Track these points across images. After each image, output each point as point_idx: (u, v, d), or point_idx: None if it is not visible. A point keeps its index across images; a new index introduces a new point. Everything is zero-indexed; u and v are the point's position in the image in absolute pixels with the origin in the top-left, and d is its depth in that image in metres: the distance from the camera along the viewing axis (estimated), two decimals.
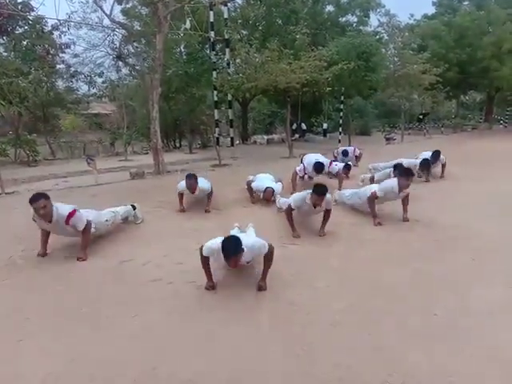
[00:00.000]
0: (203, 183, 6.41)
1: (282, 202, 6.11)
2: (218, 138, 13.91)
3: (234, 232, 4.56)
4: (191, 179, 6.19)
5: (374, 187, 5.85)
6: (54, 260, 4.46)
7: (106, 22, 10.56)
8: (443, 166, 9.32)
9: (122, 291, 3.73)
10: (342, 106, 18.27)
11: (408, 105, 24.14)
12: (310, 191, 4.98)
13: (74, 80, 16.47)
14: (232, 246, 3.27)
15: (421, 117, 26.54)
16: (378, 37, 19.93)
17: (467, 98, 36.87)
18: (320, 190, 4.86)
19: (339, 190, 7.11)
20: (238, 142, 19.34)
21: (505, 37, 21.06)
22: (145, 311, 3.34)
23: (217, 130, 14.11)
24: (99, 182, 8.86)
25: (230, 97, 14.04)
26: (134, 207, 5.87)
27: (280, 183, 7.04)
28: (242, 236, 3.55)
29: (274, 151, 15.58)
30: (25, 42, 14.06)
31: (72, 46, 14.34)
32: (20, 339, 2.94)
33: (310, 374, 2.53)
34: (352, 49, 14.55)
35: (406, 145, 17.90)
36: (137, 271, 4.20)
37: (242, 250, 3.31)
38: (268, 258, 3.66)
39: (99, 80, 16.02)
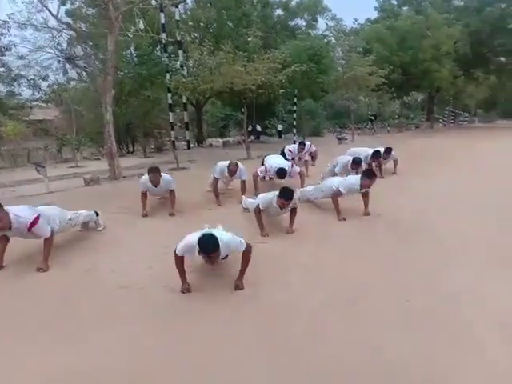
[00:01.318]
0: (166, 175, 6.33)
1: (248, 202, 6.12)
2: (174, 142, 13.67)
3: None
4: (154, 171, 6.07)
5: (337, 182, 6.02)
6: (11, 273, 4.15)
7: (52, 22, 10.05)
8: (395, 162, 9.82)
9: (89, 302, 3.54)
10: (295, 108, 18.65)
11: (356, 106, 25.09)
12: (277, 194, 4.99)
13: (15, 84, 15.51)
14: (209, 244, 3.25)
15: (372, 118, 27.65)
16: (326, 40, 20.49)
17: (409, 98, 38.91)
18: (287, 195, 4.90)
19: (302, 187, 7.24)
20: (193, 145, 19.09)
21: (442, 40, 22.48)
22: (117, 322, 3.19)
23: (172, 133, 13.87)
24: (51, 190, 8.39)
25: (184, 99, 13.85)
26: (96, 213, 5.64)
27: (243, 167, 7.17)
28: (216, 233, 3.48)
29: (231, 153, 15.51)
30: None
31: (14, 48, 13.48)
32: None
33: (297, 367, 2.55)
34: (303, 51, 14.89)
35: (357, 144, 18.53)
36: (103, 279, 4.01)
37: (219, 247, 3.28)
38: (247, 256, 3.64)
39: (44, 84, 15.19)
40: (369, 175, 5.79)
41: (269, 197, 5.16)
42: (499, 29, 25.67)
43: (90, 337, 2.98)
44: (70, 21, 12.79)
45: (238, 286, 3.65)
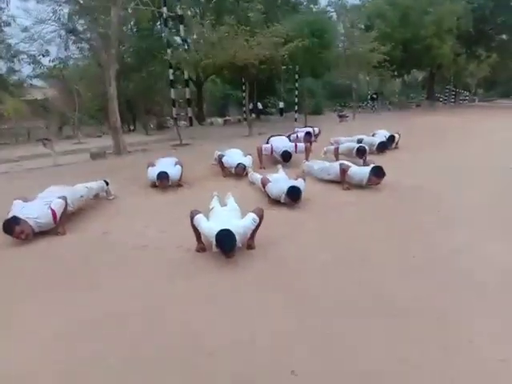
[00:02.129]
0: (173, 172, 6.28)
1: (255, 177, 6.22)
2: (176, 118, 13.69)
3: (215, 203, 4.63)
4: (163, 180, 6.04)
5: (343, 162, 6.14)
6: (33, 238, 4.31)
7: None
8: (397, 141, 9.92)
9: (110, 257, 3.73)
10: (296, 85, 18.57)
11: (356, 85, 24.92)
12: (285, 192, 5.10)
13: (15, 60, 15.36)
14: (227, 242, 3.38)
15: (374, 96, 27.53)
16: (327, 16, 20.24)
17: (410, 77, 38.59)
18: (295, 195, 5.05)
19: (306, 160, 7.36)
20: (193, 123, 19.07)
21: (445, 16, 22.23)
22: (139, 273, 3.39)
23: (174, 109, 13.87)
24: (59, 163, 8.51)
25: (186, 75, 13.80)
26: (106, 183, 5.77)
27: (250, 156, 7.18)
28: (231, 222, 3.60)
29: (233, 131, 15.59)
30: None
31: (16, 21, 13.30)
32: (15, 303, 2.90)
33: (309, 308, 2.73)
34: (306, 26, 14.77)
35: (358, 122, 18.58)
36: (121, 240, 4.18)
37: (235, 245, 3.41)
38: (256, 228, 3.79)
39: (44, 60, 15.05)
40: (378, 173, 5.76)
41: (277, 190, 5.22)
42: (502, 6, 25.37)
43: (113, 283, 3.19)
44: None
45: (250, 246, 3.81)
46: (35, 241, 4.18)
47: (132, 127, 18.96)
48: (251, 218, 3.70)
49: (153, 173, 6.18)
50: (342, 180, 6.01)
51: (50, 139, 8.90)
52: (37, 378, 2.19)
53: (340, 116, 19.55)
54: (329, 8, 22.05)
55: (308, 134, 9.33)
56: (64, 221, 4.45)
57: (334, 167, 6.17)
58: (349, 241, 4.01)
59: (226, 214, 3.98)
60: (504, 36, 29.69)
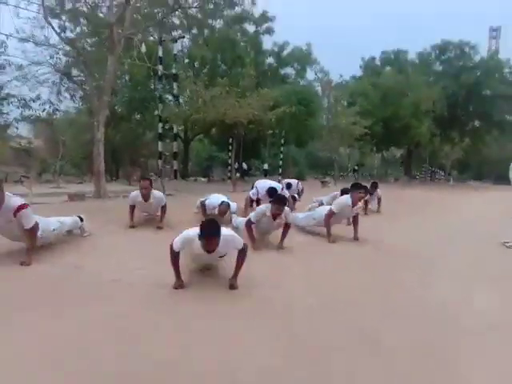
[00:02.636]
0: (157, 192, 6.21)
1: (239, 221, 6.07)
2: (161, 170, 13.69)
3: None
4: (145, 181, 5.93)
5: (328, 206, 6.10)
6: None
7: (52, 39, 10.28)
8: (379, 200, 10.03)
9: (79, 290, 3.41)
10: (281, 149, 19.12)
11: (337, 157, 25.89)
12: (270, 205, 5.06)
13: (4, 103, 15.43)
14: (212, 227, 3.29)
15: (356, 168, 28.54)
16: (313, 89, 21.47)
17: (388, 153, 40.48)
18: (280, 200, 5.00)
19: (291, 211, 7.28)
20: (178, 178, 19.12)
21: (422, 98, 23.89)
22: (112, 304, 3.08)
23: (160, 161, 13.92)
24: (34, 202, 8.16)
25: (175, 129, 14.05)
26: (81, 219, 5.48)
27: (234, 203, 7.05)
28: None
29: (217, 187, 15.58)
30: None
31: (12, 59, 13.55)
32: None
33: (296, 346, 2.47)
34: (293, 94, 15.54)
35: (340, 186, 18.92)
36: (92, 274, 3.88)
37: (220, 232, 3.31)
38: (242, 255, 3.62)
39: (34, 105, 15.16)
40: (356, 187, 5.90)
41: (262, 208, 5.19)
42: (474, 94, 27.55)
43: (83, 313, 2.88)
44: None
45: (233, 286, 3.57)
46: (1, 268, 3.83)
47: (114, 178, 18.82)
48: (239, 237, 3.65)
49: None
50: (327, 228, 5.89)
51: (29, 177, 8.61)
52: None
53: (322, 182, 19.98)
54: (314, 83, 23.43)
55: (293, 197, 9.28)
56: (30, 251, 4.09)
57: (319, 212, 6.14)
58: (334, 287, 3.83)
59: None
60: (476, 123, 31.90)
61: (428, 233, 7.36)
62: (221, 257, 3.64)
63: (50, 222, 4.75)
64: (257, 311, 3.10)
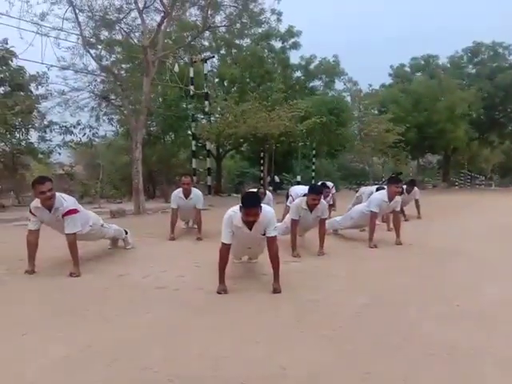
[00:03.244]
0: (196, 190, 6.49)
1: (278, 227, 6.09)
2: (195, 186, 13.95)
3: None
4: (187, 177, 6.28)
5: (365, 205, 6.01)
6: (44, 277, 4.12)
7: (91, 66, 10.86)
8: (417, 204, 9.69)
9: (127, 296, 3.50)
10: (313, 160, 19.05)
11: (368, 169, 25.39)
12: (304, 197, 5.12)
13: (47, 130, 16.24)
14: (253, 198, 3.56)
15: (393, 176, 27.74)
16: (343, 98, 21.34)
17: (424, 160, 39.37)
18: (315, 189, 5.09)
19: (328, 217, 7.21)
20: (211, 195, 19.41)
21: (457, 102, 23.20)
22: (156, 309, 3.13)
23: (194, 178, 14.22)
24: None
25: (208, 146, 14.34)
26: (126, 232, 5.66)
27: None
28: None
29: None
30: (2, 88, 14.03)
31: (54, 87, 14.37)
32: (24, 333, 2.65)
33: (348, 352, 2.41)
34: (323, 104, 15.53)
35: None
36: (138, 282, 3.97)
37: (260, 202, 3.52)
38: (275, 251, 3.61)
39: (75, 130, 15.88)
40: (392, 181, 5.78)
41: (296, 202, 5.22)
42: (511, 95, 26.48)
43: (128, 318, 2.93)
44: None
45: (276, 289, 3.54)
46: (43, 279, 4.01)
47: (152, 197, 19.29)
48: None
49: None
50: (371, 230, 5.77)
51: (73, 195, 8.98)
52: None
53: (356, 191, 19.65)
54: (344, 93, 23.31)
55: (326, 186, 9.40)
56: (77, 263, 4.25)
57: (356, 209, 6.06)
58: (380, 287, 3.73)
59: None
60: None
61: (474, 234, 7.06)
62: (261, 235, 3.66)
63: (100, 219, 4.98)
64: (304, 312, 3.06)
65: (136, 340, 2.54)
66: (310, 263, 4.74)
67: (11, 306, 3.24)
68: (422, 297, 3.43)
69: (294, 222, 5.15)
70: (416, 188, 9.45)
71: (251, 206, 3.43)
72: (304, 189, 7.72)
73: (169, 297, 3.47)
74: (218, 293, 3.52)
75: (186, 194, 6.28)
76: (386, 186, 8.80)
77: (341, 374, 2.13)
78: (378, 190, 7.70)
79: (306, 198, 5.10)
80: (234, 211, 3.62)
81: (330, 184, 10.25)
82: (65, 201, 4.14)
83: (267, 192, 7.00)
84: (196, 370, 2.15)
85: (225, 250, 3.59)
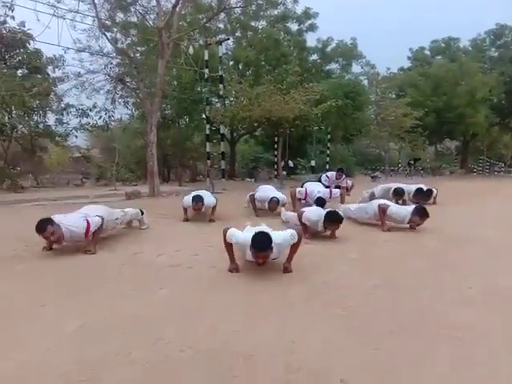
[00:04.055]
0: (208, 199, 6.35)
1: (288, 216, 6.04)
2: (209, 170, 14.01)
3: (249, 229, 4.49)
4: (198, 203, 6.10)
5: (382, 201, 5.92)
6: (61, 254, 4.24)
7: (106, 48, 10.89)
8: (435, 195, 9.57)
9: (142, 273, 3.58)
10: (328, 145, 18.86)
11: (386, 154, 24.98)
12: (323, 217, 4.86)
13: (64, 113, 16.43)
14: (263, 242, 3.27)
15: (411, 162, 27.21)
16: (360, 82, 20.95)
17: (442, 146, 38.59)
18: (335, 218, 4.78)
19: (342, 203, 7.17)
20: (225, 179, 19.47)
21: (478, 86, 22.57)
22: (170, 285, 3.20)
23: (208, 161, 14.25)
24: (94, 200, 8.67)
25: (222, 129, 14.32)
26: (142, 212, 5.76)
27: (284, 196, 7.06)
28: (271, 234, 3.44)
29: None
30: (20, 71, 14.20)
31: (71, 68, 14.48)
32: (44, 304, 2.74)
33: (358, 329, 2.43)
34: (339, 88, 15.28)
35: (391, 181, 18.35)
36: (152, 260, 4.06)
37: (272, 247, 3.29)
38: (297, 243, 3.58)
39: (91, 113, 16.03)
40: (421, 214, 5.50)
41: (315, 218, 4.95)
42: None
43: (144, 294, 3.01)
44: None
45: (287, 269, 3.57)
46: (60, 256, 4.12)
47: (167, 179, 19.46)
48: (290, 232, 3.52)
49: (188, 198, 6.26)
50: (381, 219, 5.72)
51: (89, 178, 9.16)
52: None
53: (372, 177, 19.46)
54: (361, 77, 22.85)
55: (340, 170, 9.43)
56: (96, 241, 4.37)
57: (372, 206, 5.94)
58: (392, 270, 3.72)
59: (262, 228, 3.84)
60: None
61: (489, 221, 6.94)
62: (274, 259, 3.60)
63: (115, 212, 5.07)
64: (315, 292, 3.09)
65: (150, 314, 2.61)
66: (322, 246, 4.74)
67: (30, 280, 3.35)
68: (436, 281, 3.40)
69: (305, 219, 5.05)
70: (434, 190, 9.36)
71: (262, 249, 3.29)
72: (319, 190, 7.55)
73: (182, 274, 3.54)
74: (230, 271, 3.57)
75: (198, 212, 6.35)
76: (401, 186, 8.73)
77: (350, 350, 2.16)
78: (395, 191, 7.60)
79: (323, 219, 4.85)
80: (246, 241, 3.36)
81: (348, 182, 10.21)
82: (73, 229, 4.13)
83: (279, 199, 6.86)
84: (206, 343, 2.20)
85: (227, 243, 3.55)
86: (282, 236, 3.48)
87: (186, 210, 6.44)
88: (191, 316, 2.59)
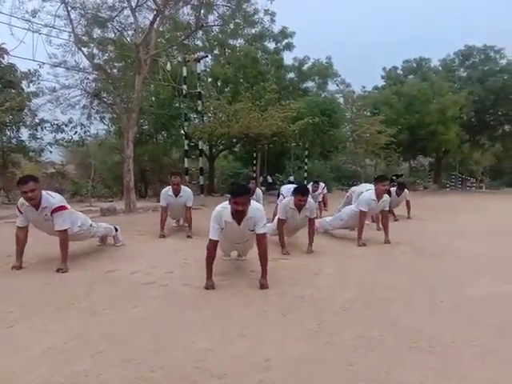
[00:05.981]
0: (186, 188, 6.45)
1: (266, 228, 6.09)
2: (187, 186, 13.93)
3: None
4: (176, 177, 6.20)
5: (353, 206, 6.05)
6: (31, 272, 4.09)
7: (82, 64, 10.81)
8: (408, 205, 9.78)
9: (115, 291, 3.49)
10: (306, 161, 19.10)
11: (361, 170, 25.49)
12: (292, 197, 5.10)
13: (38, 128, 16.10)
14: (242, 187, 3.66)
15: (394, 177, 27.72)
16: (336, 100, 21.44)
17: (416, 162, 39.61)
18: (301, 189, 5.08)
19: (320, 217, 7.25)
20: (204, 195, 19.39)
21: (448, 105, 23.43)
22: (144, 303, 3.14)
23: (186, 177, 14.19)
24: None
25: (200, 145, 14.32)
26: (116, 229, 5.64)
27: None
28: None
29: None
30: None
31: (45, 84, 14.28)
32: (11, 325, 2.64)
33: (332, 344, 2.43)
34: (316, 105, 15.59)
35: None
36: (126, 277, 3.97)
37: (249, 192, 3.60)
38: (263, 248, 3.63)
39: (66, 128, 15.77)
40: (378, 180, 5.83)
41: (283, 202, 5.24)
42: (502, 98, 26.72)
43: (116, 312, 2.93)
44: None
45: (264, 285, 3.56)
46: (31, 275, 3.98)
47: (144, 196, 19.21)
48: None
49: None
50: (360, 231, 5.80)
51: (61, 194, 8.93)
52: None
53: (347, 191, 19.74)
54: (337, 95, 23.39)
55: (316, 182, 9.64)
56: (65, 259, 4.23)
57: (345, 211, 6.11)
58: (367, 285, 3.75)
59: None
60: (506, 127, 30.86)
61: (462, 234, 7.14)
62: (250, 230, 3.67)
63: (89, 219, 4.95)
64: (290, 307, 3.08)
65: (122, 333, 2.55)
66: (298, 260, 4.76)
67: None
68: (408, 293, 3.46)
69: (281, 222, 5.17)
70: (406, 190, 9.57)
71: (240, 194, 3.44)
72: (294, 186, 7.73)
73: (157, 292, 3.47)
74: (206, 288, 3.53)
75: (176, 192, 6.27)
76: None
77: (325, 366, 2.15)
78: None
79: (292, 198, 5.09)
80: (223, 207, 3.63)
81: (322, 185, 10.34)
82: (52, 198, 4.09)
83: (257, 189, 7.00)
84: (179, 363, 2.16)
85: (212, 246, 3.60)
86: (260, 208, 3.74)
87: (164, 218, 6.37)
88: (164, 335, 2.53)
